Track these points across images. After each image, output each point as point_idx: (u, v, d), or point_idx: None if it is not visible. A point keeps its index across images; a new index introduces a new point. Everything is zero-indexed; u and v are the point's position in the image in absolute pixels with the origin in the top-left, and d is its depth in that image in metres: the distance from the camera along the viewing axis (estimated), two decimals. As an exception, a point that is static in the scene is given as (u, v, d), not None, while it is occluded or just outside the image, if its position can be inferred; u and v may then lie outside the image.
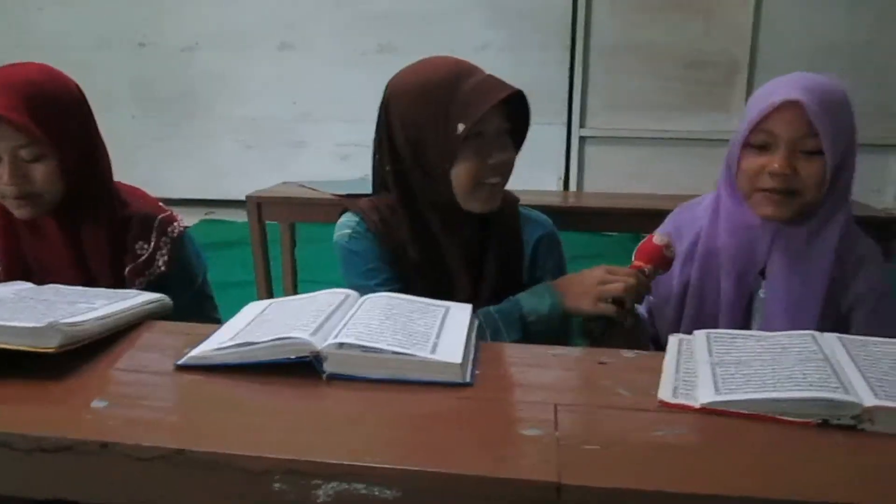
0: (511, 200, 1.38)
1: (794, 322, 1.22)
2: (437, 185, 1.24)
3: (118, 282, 1.35)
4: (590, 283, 1.19)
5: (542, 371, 0.90)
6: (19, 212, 1.30)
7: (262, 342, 0.87)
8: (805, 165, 1.18)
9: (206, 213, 4.68)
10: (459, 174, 1.23)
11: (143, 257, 1.38)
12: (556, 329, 1.21)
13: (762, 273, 1.28)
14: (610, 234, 3.92)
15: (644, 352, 1.00)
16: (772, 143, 1.20)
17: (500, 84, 1.22)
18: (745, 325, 1.28)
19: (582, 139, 4.36)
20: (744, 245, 1.24)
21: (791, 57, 4.12)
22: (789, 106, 1.16)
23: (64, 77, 1.32)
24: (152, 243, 1.39)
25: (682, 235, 1.34)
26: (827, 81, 1.21)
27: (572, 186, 4.40)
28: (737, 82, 4.15)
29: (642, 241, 1.22)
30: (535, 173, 4.27)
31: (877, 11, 4.08)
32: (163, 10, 4.54)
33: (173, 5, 4.54)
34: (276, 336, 0.87)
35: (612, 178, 4.18)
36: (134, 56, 4.64)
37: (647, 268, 1.20)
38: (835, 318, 1.23)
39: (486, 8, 4.29)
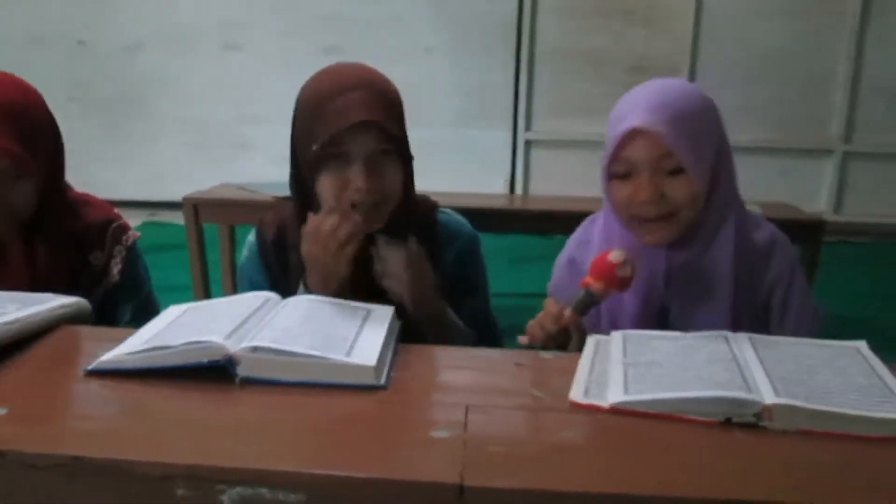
0: (427, 207, 1.34)
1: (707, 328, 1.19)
2: (315, 199, 1.21)
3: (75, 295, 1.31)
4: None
5: (458, 373, 0.90)
6: None
7: (174, 346, 0.86)
8: (671, 186, 1.13)
9: (149, 215, 4.59)
10: (321, 192, 1.18)
11: (97, 267, 1.35)
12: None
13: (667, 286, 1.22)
14: (555, 236, 3.96)
15: (564, 353, 1.01)
16: (633, 170, 1.14)
17: (362, 108, 1.13)
18: None
19: (527, 143, 4.40)
20: (641, 266, 1.16)
21: (729, 64, 4.23)
22: (638, 132, 1.11)
23: (33, 89, 1.28)
24: (105, 251, 1.36)
25: (591, 248, 1.28)
26: (677, 92, 1.15)
27: (518, 190, 4.44)
28: (678, 88, 4.23)
29: (598, 256, 1.12)
30: (481, 177, 4.30)
31: (812, 23, 4.21)
32: (102, 8, 4.45)
33: (113, 3, 4.44)
34: (189, 340, 0.86)
35: (558, 182, 4.23)
36: (72, 55, 4.52)
37: (596, 285, 1.09)
38: (752, 311, 1.21)
39: (432, 12, 4.30)
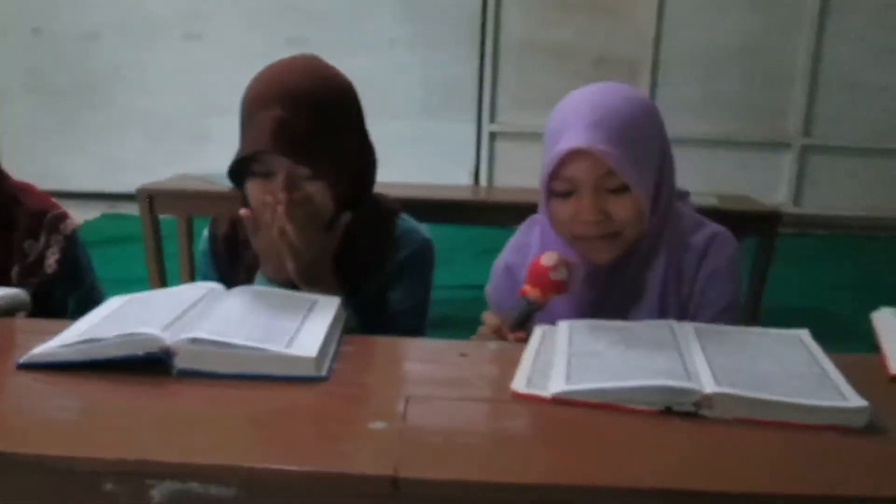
0: (388, 212, 1.30)
1: None
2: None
3: (6, 285, 1.27)
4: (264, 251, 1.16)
5: (401, 363, 0.90)
6: None
7: (109, 338, 0.84)
8: (615, 204, 1.08)
9: (108, 207, 4.51)
10: (249, 195, 1.16)
11: (32, 257, 1.31)
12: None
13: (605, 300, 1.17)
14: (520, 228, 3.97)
15: (510, 343, 1.00)
16: (574, 189, 1.09)
17: (272, 134, 1.07)
18: None
19: (492, 135, 4.40)
20: (578, 270, 1.10)
21: (691, 58, 4.27)
22: (578, 152, 1.05)
23: None
24: (42, 241, 1.32)
25: (529, 252, 1.22)
26: (617, 103, 1.09)
27: (483, 181, 4.44)
28: (640, 81, 4.27)
29: (532, 262, 1.08)
30: (446, 168, 4.30)
31: (772, 18, 4.26)
32: (58, -5, 4.36)
33: (70, -10, 4.36)
34: (124, 331, 0.84)
35: (522, 174, 4.20)
36: (27, 43, 4.42)
37: (533, 292, 1.05)
38: (684, 316, 1.16)
39: (396, 3, 4.28)
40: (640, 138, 1.09)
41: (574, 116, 1.08)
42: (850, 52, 4.31)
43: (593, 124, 1.05)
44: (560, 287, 1.05)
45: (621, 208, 1.08)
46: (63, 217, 1.36)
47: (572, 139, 1.05)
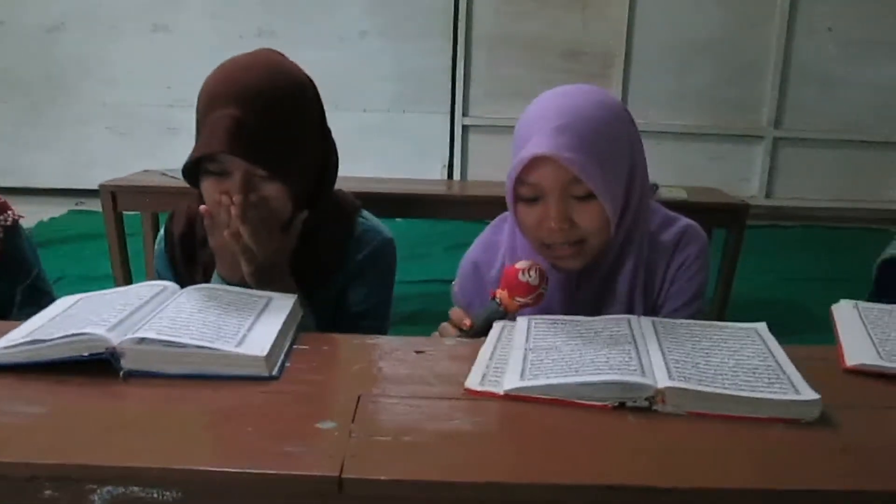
0: (348, 210, 1.28)
1: None
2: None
3: None
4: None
5: (355, 361, 0.88)
6: None
7: (53, 339, 0.82)
8: (581, 212, 1.06)
9: (76, 203, 4.44)
10: (204, 194, 1.13)
11: None
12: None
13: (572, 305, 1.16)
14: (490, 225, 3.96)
15: (467, 339, 1.00)
16: (540, 195, 1.07)
17: (225, 135, 1.04)
18: None
19: (465, 128, 4.38)
20: (551, 281, 1.10)
21: (663, 51, 4.27)
22: (543, 158, 1.03)
23: None
24: None
25: (497, 250, 1.23)
26: (585, 108, 1.06)
27: (456, 175, 4.42)
28: (613, 73, 4.28)
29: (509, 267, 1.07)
30: (419, 162, 4.28)
31: (743, 11, 4.28)
32: (22, -13, 4.26)
33: (34, -19, 4.27)
34: (69, 332, 0.82)
35: (496, 167, 4.19)
36: (-11, 36, 4.34)
37: (501, 294, 1.04)
38: (652, 311, 1.17)
39: (368, -5, 4.24)
40: (608, 145, 1.06)
41: (541, 121, 1.06)
42: (820, 46, 4.34)
43: (559, 130, 1.03)
44: (528, 291, 1.03)
45: (587, 216, 1.07)
46: (3, 208, 1.33)
47: (537, 145, 1.03)
